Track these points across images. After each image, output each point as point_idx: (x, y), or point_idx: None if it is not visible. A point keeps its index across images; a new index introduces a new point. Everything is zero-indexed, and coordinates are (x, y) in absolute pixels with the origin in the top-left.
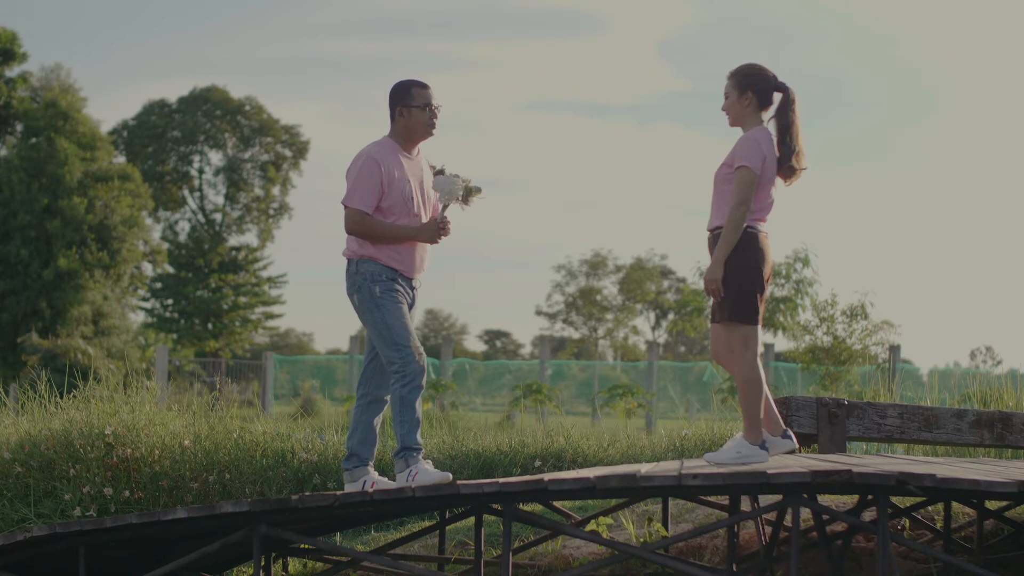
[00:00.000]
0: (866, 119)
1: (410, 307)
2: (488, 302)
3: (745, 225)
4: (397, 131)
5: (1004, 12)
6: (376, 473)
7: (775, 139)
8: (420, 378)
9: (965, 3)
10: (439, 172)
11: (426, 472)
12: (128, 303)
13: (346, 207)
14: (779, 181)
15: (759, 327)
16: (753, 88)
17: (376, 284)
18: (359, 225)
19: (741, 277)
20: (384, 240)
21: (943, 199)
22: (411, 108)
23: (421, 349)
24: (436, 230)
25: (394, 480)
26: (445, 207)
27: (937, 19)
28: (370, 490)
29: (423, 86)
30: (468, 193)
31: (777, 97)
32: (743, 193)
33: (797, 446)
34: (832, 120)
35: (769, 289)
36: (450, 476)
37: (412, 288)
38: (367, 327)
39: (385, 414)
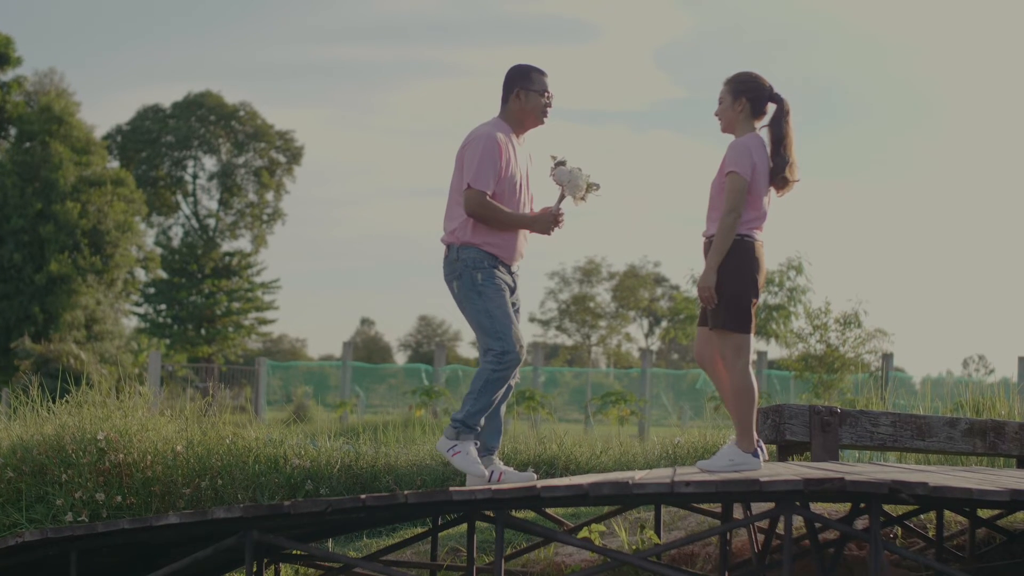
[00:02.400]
0: (859, 127)
1: (512, 291)
2: None
3: (742, 233)
4: (510, 114)
5: (994, 21)
6: (501, 463)
7: (768, 149)
8: (515, 367)
9: (956, 13)
10: (560, 163)
11: (466, 456)
12: (121, 308)
13: (470, 187)
14: (772, 191)
15: (752, 336)
16: (747, 95)
17: (478, 271)
18: (482, 207)
19: (736, 285)
20: (500, 226)
21: (936, 207)
22: (530, 92)
23: (523, 340)
24: (551, 222)
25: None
26: (561, 199)
27: (928, 28)
28: (498, 480)
29: (542, 72)
30: (587, 188)
31: (771, 108)
32: (734, 199)
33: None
34: (825, 128)
35: (762, 298)
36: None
37: (511, 274)
38: (466, 315)
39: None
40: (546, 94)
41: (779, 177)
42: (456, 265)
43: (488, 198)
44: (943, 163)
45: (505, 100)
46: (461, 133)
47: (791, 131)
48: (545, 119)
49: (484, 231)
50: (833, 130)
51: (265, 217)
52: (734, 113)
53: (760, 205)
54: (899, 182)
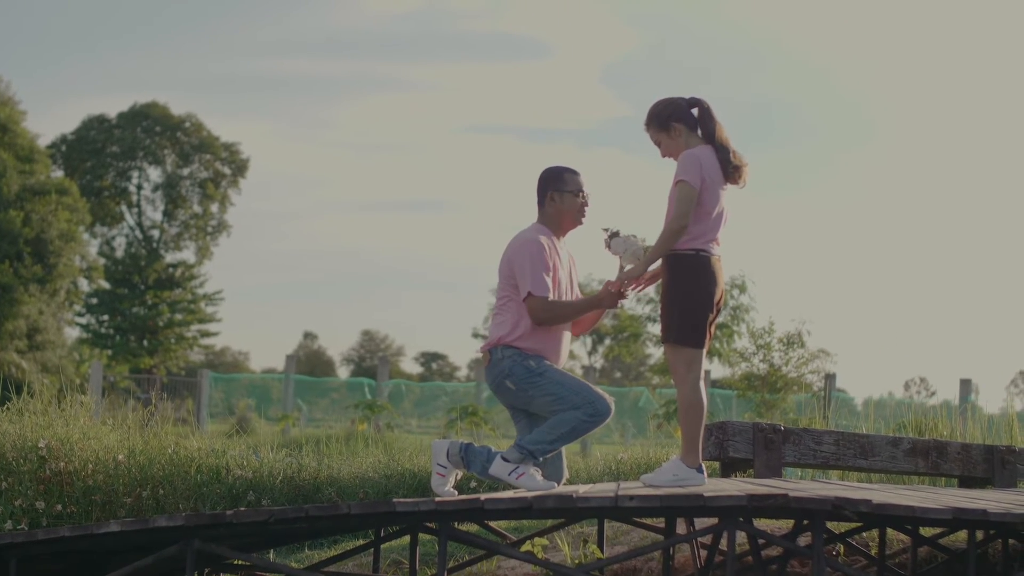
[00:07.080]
0: (802, 146)
1: None
2: (425, 324)
3: (696, 248)
4: (548, 217)
5: (936, 40)
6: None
7: None
8: (606, 418)
9: (898, 33)
10: (614, 234)
11: (532, 479)
12: (63, 318)
13: (531, 295)
14: (730, 193)
15: (703, 351)
16: (674, 119)
17: (529, 359)
18: (548, 311)
19: (691, 300)
20: (571, 318)
21: (880, 228)
22: (564, 193)
23: (606, 394)
24: (616, 295)
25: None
26: (622, 269)
27: (871, 49)
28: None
29: (575, 172)
30: (644, 252)
31: (697, 112)
32: (681, 207)
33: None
34: (769, 146)
35: (717, 312)
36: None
37: None
38: (532, 403)
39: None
40: (581, 193)
41: (728, 168)
42: (502, 364)
43: (549, 299)
44: (886, 184)
45: (541, 204)
46: (405, 148)
47: (718, 124)
48: (583, 219)
49: (528, 338)
50: (776, 148)
51: (210, 229)
52: (674, 141)
53: (711, 216)
54: (843, 202)
